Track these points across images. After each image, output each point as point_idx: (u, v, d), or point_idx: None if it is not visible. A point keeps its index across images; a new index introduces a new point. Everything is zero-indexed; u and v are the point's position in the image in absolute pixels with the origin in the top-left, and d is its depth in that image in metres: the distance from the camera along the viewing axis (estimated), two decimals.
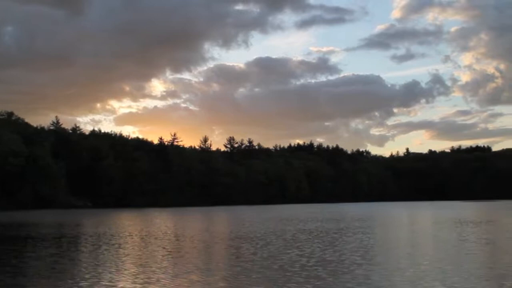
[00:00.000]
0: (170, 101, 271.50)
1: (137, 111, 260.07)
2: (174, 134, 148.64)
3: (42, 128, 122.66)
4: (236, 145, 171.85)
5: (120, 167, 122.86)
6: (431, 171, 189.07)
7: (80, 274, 15.48)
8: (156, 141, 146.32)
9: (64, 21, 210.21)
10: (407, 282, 13.36)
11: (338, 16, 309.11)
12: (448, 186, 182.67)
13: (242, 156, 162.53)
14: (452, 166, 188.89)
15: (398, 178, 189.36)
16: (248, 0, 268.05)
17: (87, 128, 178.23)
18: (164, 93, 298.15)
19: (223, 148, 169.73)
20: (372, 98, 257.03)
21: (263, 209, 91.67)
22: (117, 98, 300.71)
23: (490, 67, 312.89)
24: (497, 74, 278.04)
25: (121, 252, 21.12)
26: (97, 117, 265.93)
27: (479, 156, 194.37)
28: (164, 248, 22.74)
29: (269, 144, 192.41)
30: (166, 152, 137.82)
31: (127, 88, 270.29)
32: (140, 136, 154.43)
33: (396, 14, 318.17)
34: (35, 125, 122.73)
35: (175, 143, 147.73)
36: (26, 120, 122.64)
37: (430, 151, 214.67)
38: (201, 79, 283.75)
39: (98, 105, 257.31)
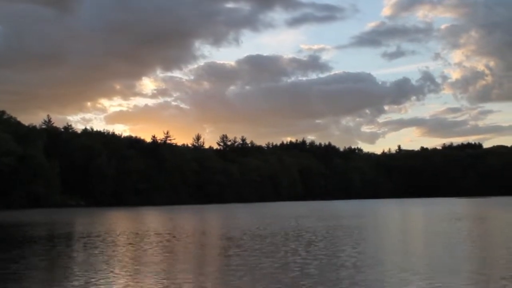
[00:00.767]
0: (161, 100, 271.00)
1: (127, 110, 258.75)
2: (167, 132, 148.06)
3: (34, 127, 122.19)
4: (229, 143, 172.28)
5: (113, 166, 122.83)
6: (423, 168, 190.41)
7: (68, 275, 15.69)
8: (147, 140, 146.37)
9: (54, 20, 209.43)
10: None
11: (328, 14, 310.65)
12: (440, 183, 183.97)
13: (235, 154, 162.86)
14: (444, 163, 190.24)
15: (391, 175, 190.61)
16: None
17: (77, 127, 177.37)
18: (155, 92, 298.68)
19: (215, 146, 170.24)
20: (362, 95, 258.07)
21: (256, 207, 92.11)
22: (108, 96, 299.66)
23: (480, 64, 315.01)
24: (487, 71, 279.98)
25: (110, 252, 21.41)
26: (87, 115, 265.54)
27: (470, 153, 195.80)
28: (156, 247, 23.10)
29: (260, 142, 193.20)
30: (159, 151, 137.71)
31: (118, 87, 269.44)
32: (131, 135, 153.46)
33: (386, 11, 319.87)
34: (26, 124, 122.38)
35: (168, 141, 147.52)
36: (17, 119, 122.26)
37: (422, 148, 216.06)
38: (192, 77, 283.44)
39: (89, 103, 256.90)
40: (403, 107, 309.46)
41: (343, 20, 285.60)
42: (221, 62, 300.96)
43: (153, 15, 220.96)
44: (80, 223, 45.00)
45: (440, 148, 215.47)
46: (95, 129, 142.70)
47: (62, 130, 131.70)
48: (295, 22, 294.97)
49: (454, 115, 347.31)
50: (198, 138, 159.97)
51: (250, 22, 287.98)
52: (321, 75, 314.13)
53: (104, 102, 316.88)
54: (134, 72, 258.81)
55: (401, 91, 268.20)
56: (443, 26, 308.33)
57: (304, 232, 29.39)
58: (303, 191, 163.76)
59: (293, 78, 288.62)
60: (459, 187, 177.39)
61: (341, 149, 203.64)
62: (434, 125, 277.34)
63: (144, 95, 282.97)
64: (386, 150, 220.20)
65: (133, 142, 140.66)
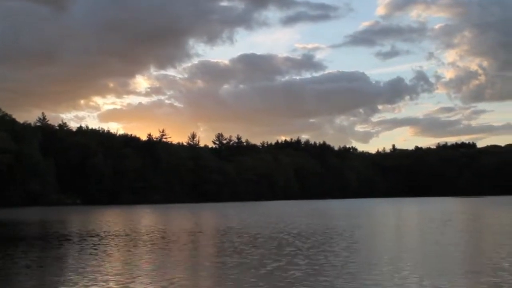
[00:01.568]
0: (154, 98, 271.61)
1: (121, 108, 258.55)
2: (163, 131, 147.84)
3: (29, 125, 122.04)
4: (224, 142, 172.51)
5: (109, 164, 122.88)
6: (418, 168, 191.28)
7: (61, 274, 15.87)
8: (142, 138, 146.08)
9: (49, 18, 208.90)
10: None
11: (323, 13, 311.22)
12: (435, 182, 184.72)
13: (230, 152, 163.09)
14: (439, 163, 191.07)
15: (386, 174, 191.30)
16: None
17: (71, 125, 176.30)
18: (149, 90, 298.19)
19: (209, 145, 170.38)
20: (356, 95, 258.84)
21: (252, 206, 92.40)
22: (101, 94, 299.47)
23: (474, 64, 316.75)
24: (480, 71, 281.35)
25: (103, 251, 21.71)
26: (81, 113, 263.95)
27: (465, 152, 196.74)
28: (149, 246, 23.41)
29: (253, 140, 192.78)
30: (155, 149, 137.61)
31: (111, 85, 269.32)
32: (124, 133, 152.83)
33: (380, 11, 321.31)
34: (21, 122, 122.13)
35: (164, 139, 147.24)
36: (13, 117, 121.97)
37: (417, 148, 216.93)
38: (186, 76, 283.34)
39: (82, 101, 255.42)
40: (397, 107, 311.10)
41: (337, 19, 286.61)
42: (215, 60, 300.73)
43: (147, 13, 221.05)
44: (74, 222, 45.22)
45: (435, 147, 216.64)
46: (91, 127, 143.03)
47: (57, 128, 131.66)
48: (289, 21, 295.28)
49: (447, 115, 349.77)
50: (193, 136, 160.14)
51: (244, 20, 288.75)
52: (315, 74, 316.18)
53: (98, 100, 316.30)
54: (128, 70, 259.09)
55: (395, 90, 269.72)
56: (437, 26, 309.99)
57: (294, 235, 29.70)
58: (299, 191, 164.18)
59: (287, 77, 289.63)
60: (454, 186, 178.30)
61: (336, 148, 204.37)
62: (427, 125, 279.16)
63: (138, 93, 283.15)
64: (380, 150, 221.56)
65: (129, 141, 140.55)
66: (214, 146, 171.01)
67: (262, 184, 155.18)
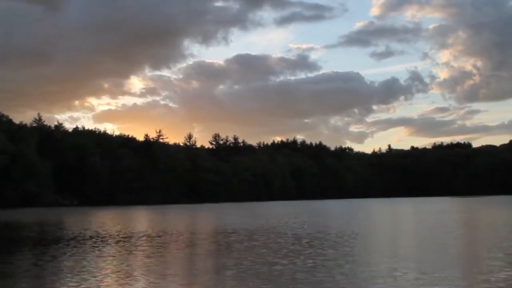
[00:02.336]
0: (149, 98, 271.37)
1: (116, 109, 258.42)
2: (159, 131, 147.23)
3: (25, 126, 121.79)
4: (221, 142, 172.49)
5: (106, 165, 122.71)
6: (414, 168, 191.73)
7: (58, 276, 15.91)
8: (136, 139, 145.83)
9: (43, 18, 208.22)
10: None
11: (317, 13, 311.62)
12: (431, 182, 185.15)
13: (227, 153, 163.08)
14: (435, 163, 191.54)
15: (382, 174, 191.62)
16: None
17: (66, 126, 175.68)
18: (143, 90, 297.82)
19: (205, 145, 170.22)
20: (351, 95, 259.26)
21: (249, 207, 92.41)
22: (96, 95, 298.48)
23: (468, 64, 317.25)
24: (474, 71, 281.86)
25: (100, 252, 21.74)
26: (75, 114, 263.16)
27: (460, 152, 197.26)
28: (145, 248, 23.47)
29: (248, 141, 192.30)
30: (152, 150, 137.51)
31: (106, 85, 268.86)
32: (122, 134, 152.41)
33: (375, 11, 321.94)
34: (17, 123, 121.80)
35: (160, 140, 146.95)
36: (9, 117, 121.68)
37: (412, 148, 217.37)
38: (181, 76, 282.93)
39: (77, 102, 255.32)
40: (392, 107, 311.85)
41: (332, 20, 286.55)
42: (210, 61, 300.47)
43: (141, 13, 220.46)
44: (71, 223, 45.18)
45: (430, 147, 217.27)
46: (87, 128, 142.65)
47: (53, 128, 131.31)
48: (284, 21, 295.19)
49: (442, 115, 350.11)
50: (190, 137, 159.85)
51: (239, 21, 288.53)
52: (310, 75, 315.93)
53: (92, 100, 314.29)
54: (122, 70, 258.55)
55: (390, 90, 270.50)
56: (431, 26, 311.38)
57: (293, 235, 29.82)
58: (295, 191, 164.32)
59: (281, 78, 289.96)
60: (450, 186, 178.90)
61: (332, 149, 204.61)
62: (422, 125, 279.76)
63: (133, 94, 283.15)
64: (375, 150, 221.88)
65: (125, 141, 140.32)
66: (210, 146, 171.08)
67: (259, 184, 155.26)
